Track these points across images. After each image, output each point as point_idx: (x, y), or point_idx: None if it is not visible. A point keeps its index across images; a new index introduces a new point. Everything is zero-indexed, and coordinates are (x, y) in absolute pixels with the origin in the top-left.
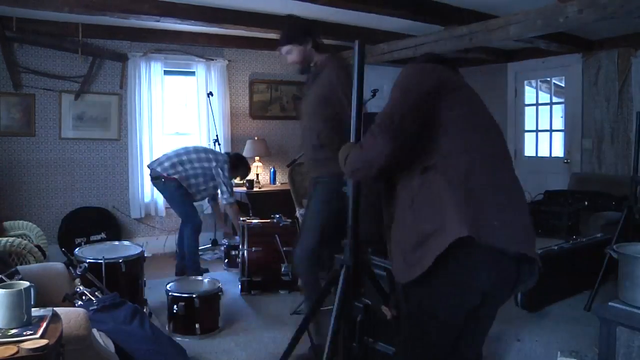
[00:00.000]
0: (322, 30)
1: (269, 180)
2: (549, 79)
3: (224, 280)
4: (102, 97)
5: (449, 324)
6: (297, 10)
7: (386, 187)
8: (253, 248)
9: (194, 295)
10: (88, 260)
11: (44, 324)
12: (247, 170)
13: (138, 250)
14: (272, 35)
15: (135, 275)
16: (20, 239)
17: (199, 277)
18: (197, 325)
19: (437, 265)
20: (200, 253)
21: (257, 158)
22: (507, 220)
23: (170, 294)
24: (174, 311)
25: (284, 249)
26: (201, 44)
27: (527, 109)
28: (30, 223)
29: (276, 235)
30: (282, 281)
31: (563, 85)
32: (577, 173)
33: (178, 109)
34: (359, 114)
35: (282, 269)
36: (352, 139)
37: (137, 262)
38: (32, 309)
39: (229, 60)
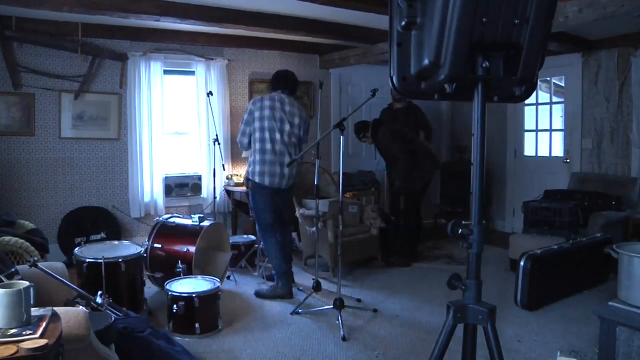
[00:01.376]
0: (321, 30)
1: None
2: (548, 78)
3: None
4: (101, 96)
5: None
6: (297, 10)
7: None
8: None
9: (193, 295)
10: (88, 260)
11: (44, 324)
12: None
13: (138, 249)
14: (272, 35)
15: (134, 274)
16: (16, 238)
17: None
18: (196, 325)
19: None
20: None
21: None
22: None
23: (170, 293)
24: (174, 311)
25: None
26: (201, 44)
27: (526, 108)
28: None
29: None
30: None
31: (563, 84)
32: (577, 173)
33: (178, 109)
34: (483, 154)
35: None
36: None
37: (136, 262)
38: (32, 309)
39: (228, 60)
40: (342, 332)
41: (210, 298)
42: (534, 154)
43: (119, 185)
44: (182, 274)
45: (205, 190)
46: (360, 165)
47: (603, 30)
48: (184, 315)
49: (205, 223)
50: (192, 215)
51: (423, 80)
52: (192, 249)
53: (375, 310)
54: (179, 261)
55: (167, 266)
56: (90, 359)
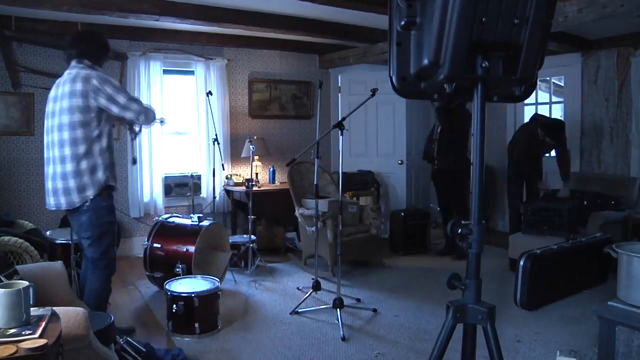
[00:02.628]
0: (321, 30)
1: (268, 180)
2: (548, 78)
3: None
4: None
5: None
6: (297, 10)
7: None
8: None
9: (193, 295)
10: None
11: (43, 324)
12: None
13: None
14: (272, 35)
15: None
16: (16, 238)
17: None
18: (196, 325)
19: None
20: None
21: (256, 157)
22: None
23: (169, 293)
24: (174, 311)
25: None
26: (200, 43)
27: (526, 108)
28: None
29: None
30: None
31: (562, 84)
32: (577, 172)
33: (177, 108)
34: (482, 153)
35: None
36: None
37: None
38: (31, 309)
39: (228, 60)
40: (341, 332)
41: (209, 298)
42: None
43: (118, 185)
44: (181, 274)
45: (205, 190)
46: (359, 165)
47: (602, 30)
48: (183, 315)
49: (205, 223)
50: (192, 215)
51: (422, 80)
52: (192, 248)
53: (374, 310)
54: (179, 261)
55: (167, 266)
56: (90, 359)
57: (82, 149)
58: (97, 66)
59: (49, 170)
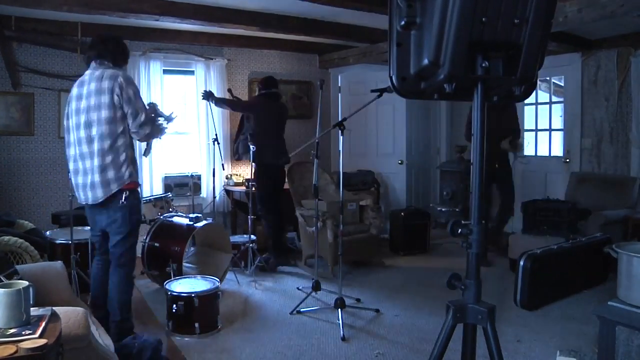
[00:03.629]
0: (321, 30)
1: None
2: (548, 78)
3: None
4: None
5: None
6: (297, 10)
7: None
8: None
9: (193, 295)
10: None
11: (43, 324)
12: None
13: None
14: (272, 35)
15: None
16: (16, 238)
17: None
18: (196, 325)
19: None
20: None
21: None
22: None
23: (169, 293)
24: (174, 310)
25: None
26: (200, 43)
27: (526, 108)
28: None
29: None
30: None
31: (562, 84)
32: (577, 172)
33: (177, 108)
34: (482, 154)
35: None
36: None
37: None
38: (31, 309)
39: (228, 60)
40: (341, 332)
41: (209, 298)
42: (533, 154)
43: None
44: (172, 274)
45: (205, 190)
46: (359, 165)
47: (602, 30)
48: (183, 315)
49: (200, 223)
50: (190, 215)
51: (422, 80)
52: (182, 248)
53: (375, 310)
54: (170, 260)
55: (161, 264)
56: (90, 359)
57: (107, 144)
58: (117, 67)
59: (78, 166)
